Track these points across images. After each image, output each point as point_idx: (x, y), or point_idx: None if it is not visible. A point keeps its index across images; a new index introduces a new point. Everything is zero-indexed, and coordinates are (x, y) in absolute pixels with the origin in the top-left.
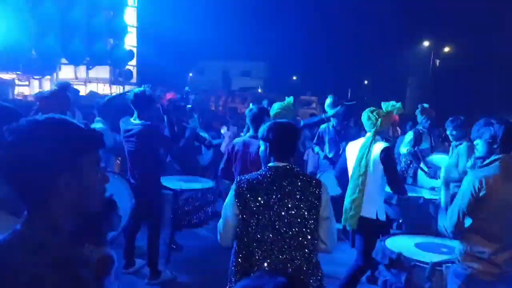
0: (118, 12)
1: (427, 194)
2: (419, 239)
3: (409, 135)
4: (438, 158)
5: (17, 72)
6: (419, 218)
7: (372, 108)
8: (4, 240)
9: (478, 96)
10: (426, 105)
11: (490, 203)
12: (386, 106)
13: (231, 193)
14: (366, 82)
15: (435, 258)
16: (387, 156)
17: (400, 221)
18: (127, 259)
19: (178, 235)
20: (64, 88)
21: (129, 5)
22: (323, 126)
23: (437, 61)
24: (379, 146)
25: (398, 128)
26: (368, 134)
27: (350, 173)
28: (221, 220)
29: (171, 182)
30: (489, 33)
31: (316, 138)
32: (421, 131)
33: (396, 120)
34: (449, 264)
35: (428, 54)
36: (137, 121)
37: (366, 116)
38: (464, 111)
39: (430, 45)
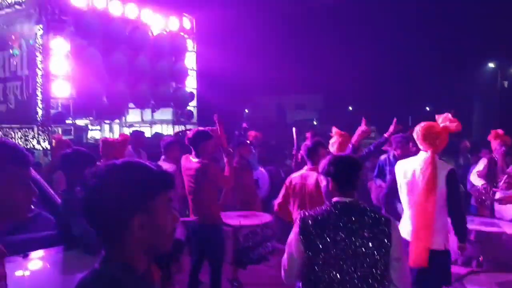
0: (179, 57)
1: (509, 229)
2: (502, 277)
3: (482, 164)
4: None
5: (90, 118)
6: (501, 255)
7: (426, 123)
8: (83, 279)
9: None
10: (499, 131)
11: None
12: (441, 120)
13: (296, 229)
14: (428, 108)
15: None
16: (453, 180)
17: (481, 259)
18: None
19: (239, 272)
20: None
21: (189, 50)
22: (382, 156)
23: (505, 83)
24: (442, 167)
25: (469, 156)
26: (427, 153)
27: (405, 198)
28: (285, 256)
29: (231, 218)
30: None
31: (376, 169)
32: (496, 159)
33: (468, 146)
34: None
35: (494, 75)
36: (196, 159)
37: (421, 133)
38: None
39: (496, 66)
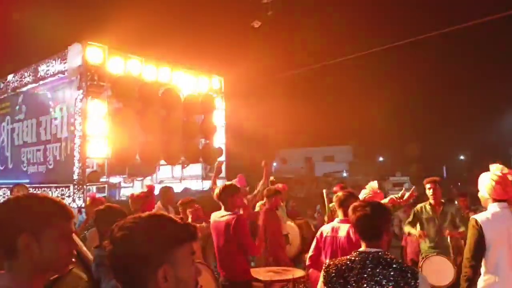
0: (208, 115)
1: None
2: None
3: None
4: None
5: (124, 176)
6: None
7: (502, 174)
8: None
9: None
10: None
11: None
12: (496, 168)
13: (320, 279)
14: (462, 157)
15: None
16: None
17: None
18: None
19: None
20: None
21: (217, 108)
22: (419, 205)
23: None
24: None
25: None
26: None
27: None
28: None
29: (261, 274)
30: None
31: (412, 218)
32: None
33: None
34: None
35: None
36: (224, 213)
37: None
38: None
39: None
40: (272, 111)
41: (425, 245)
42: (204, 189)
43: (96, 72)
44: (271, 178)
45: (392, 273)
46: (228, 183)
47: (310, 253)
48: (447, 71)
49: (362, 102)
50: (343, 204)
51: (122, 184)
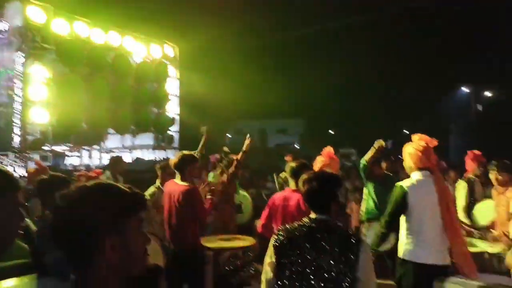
0: (161, 83)
1: (487, 248)
2: (482, 281)
3: (462, 187)
4: (484, 206)
5: (69, 144)
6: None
7: (424, 140)
8: None
9: None
10: (477, 152)
11: None
12: (418, 138)
13: (271, 243)
14: (406, 131)
15: None
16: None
17: None
18: None
19: None
20: None
21: (171, 77)
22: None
23: (479, 106)
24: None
25: (446, 177)
26: (430, 171)
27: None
28: (263, 271)
29: (211, 242)
30: None
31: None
32: (473, 180)
33: (444, 167)
34: None
35: (469, 99)
36: (180, 183)
37: (422, 151)
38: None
39: (470, 90)
40: (227, 82)
41: (368, 212)
42: (156, 160)
43: (39, 33)
44: (225, 148)
45: (337, 239)
46: (186, 152)
47: (262, 221)
48: (396, 50)
49: (316, 76)
50: (295, 174)
51: (68, 153)
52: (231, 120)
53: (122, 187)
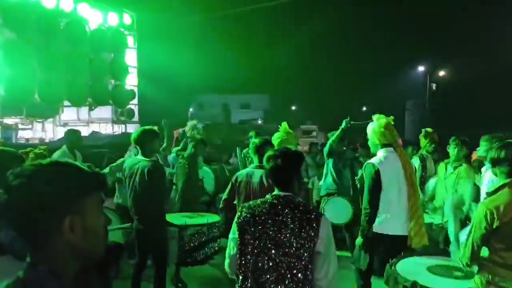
0: (118, 54)
1: (437, 220)
2: (430, 261)
3: (415, 161)
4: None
5: (20, 117)
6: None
7: (382, 121)
8: (6, 287)
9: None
10: (429, 130)
11: (505, 234)
12: (378, 117)
13: (235, 220)
14: (365, 108)
15: (453, 285)
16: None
17: None
18: None
19: (184, 272)
20: None
21: (130, 47)
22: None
23: (433, 85)
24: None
25: None
26: (394, 148)
27: (394, 193)
28: (227, 247)
29: (176, 218)
30: (481, 54)
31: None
32: (425, 156)
33: (400, 145)
34: None
35: (424, 78)
36: (142, 158)
37: (384, 128)
38: (463, 133)
39: (425, 69)
40: (189, 55)
41: (327, 187)
42: (115, 133)
43: None
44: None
45: (298, 214)
46: (147, 127)
47: (225, 196)
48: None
49: (279, 51)
50: (259, 150)
51: (20, 126)
52: (193, 94)
53: (81, 165)
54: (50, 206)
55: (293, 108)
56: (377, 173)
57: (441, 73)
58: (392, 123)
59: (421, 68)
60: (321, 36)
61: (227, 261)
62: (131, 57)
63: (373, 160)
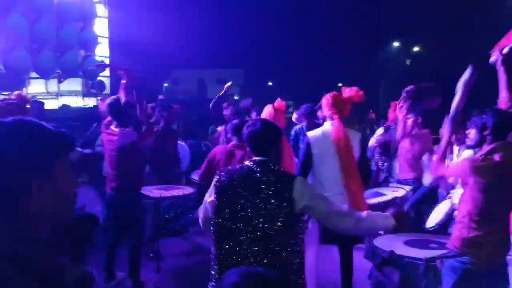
0: (87, 23)
1: (395, 194)
2: (406, 237)
3: (380, 131)
4: None
5: None
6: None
7: (333, 93)
8: None
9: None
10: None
11: (489, 191)
12: (347, 91)
13: (213, 183)
14: (340, 84)
15: (428, 254)
16: (364, 145)
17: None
18: (107, 272)
19: (159, 244)
20: None
21: (99, 16)
22: (297, 127)
23: (407, 61)
24: (353, 134)
25: (375, 126)
26: (334, 121)
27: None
28: (202, 206)
29: (151, 191)
30: (455, 32)
31: (292, 140)
32: (392, 128)
33: (373, 118)
34: (444, 259)
35: (398, 54)
36: (117, 129)
37: (329, 100)
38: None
39: (400, 46)
40: (164, 27)
41: None
42: (86, 107)
43: None
44: (160, 96)
45: (273, 178)
46: (115, 97)
47: (201, 171)
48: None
49: (256, 27)
50: (238, 130)
51: None
52: (168, 68)
53: (48, 126)
54: (17, 165)
55: (270, 84)
56: (308, 146)
57: (415, 49)
58: (359, 97)
59: (396, 44)
60: (296, 12)
61: (201, 222)
62: (101, 27)
63: (310, 133)
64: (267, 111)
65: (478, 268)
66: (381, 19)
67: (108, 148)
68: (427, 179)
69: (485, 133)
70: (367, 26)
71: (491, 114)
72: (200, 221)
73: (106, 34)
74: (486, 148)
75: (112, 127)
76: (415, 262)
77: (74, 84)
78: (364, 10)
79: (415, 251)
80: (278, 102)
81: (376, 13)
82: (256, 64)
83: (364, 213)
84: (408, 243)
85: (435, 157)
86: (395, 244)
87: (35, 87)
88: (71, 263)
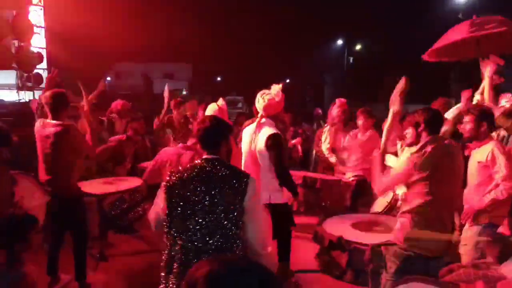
0: (21, 11)
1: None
2: (353, 219)
3: (327, 131)
4: None
5: None
6: (343, 199)
7: (263, 91)
8: None
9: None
10: (342, 100)
11: (432, 179)
12: (274, 88)
13: (163, 184)
14: (288, 80)
15: (375, 239)
16: (272, 143)
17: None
18: (51, 276)
19: (106, 243)
20: None
21: (34, 4)
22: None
23: (351, 58)
24: (265, 131)
25: (321, 122)
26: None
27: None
28: (153, 205)
29: (94, 187)
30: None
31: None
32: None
33: (320, 113)
34: (388, 246)
35: (342, 52)
36: (53, 122)
37: (257, 99)
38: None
39: (344, 43)
40: (107, 18)
41: None
42: (21, 101)
43: None
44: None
45: (225, 175)
46: (59, 90)
47: (148, 170)
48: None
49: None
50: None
51: None
52: (109, 61)
53: None
54: None
55: (218, 79)
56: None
57: (358, 46)
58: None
59: (339, 42)
60: (245, 8)
61: (152, 222)
62: (37, 16)
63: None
64: (212, 108)
65: (419, 255)
66: (324, 17)
67: (41, 142)
68: None
69: (419, 129)
70: (312, 23)
71: (421, 112)
72: (151, 223)
73: (43, 23)
74: (421, 143)
75: (47, 120)
76: (362, 247)
77: (8, 76)
78: (312, 8)
79: (362, 236)
80: (221, 102)
81: (321, 10)
82: (204, 58)
83: (269, 249)
84: (355, 226)
85: (374, 181)
86: (343, 227)
87: None
88: (7, 264)
